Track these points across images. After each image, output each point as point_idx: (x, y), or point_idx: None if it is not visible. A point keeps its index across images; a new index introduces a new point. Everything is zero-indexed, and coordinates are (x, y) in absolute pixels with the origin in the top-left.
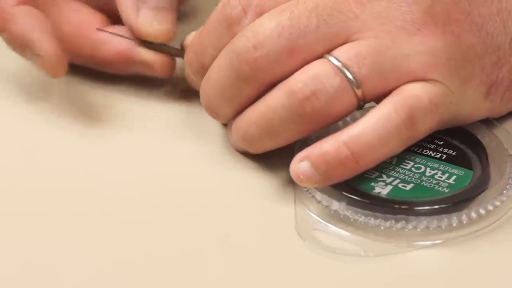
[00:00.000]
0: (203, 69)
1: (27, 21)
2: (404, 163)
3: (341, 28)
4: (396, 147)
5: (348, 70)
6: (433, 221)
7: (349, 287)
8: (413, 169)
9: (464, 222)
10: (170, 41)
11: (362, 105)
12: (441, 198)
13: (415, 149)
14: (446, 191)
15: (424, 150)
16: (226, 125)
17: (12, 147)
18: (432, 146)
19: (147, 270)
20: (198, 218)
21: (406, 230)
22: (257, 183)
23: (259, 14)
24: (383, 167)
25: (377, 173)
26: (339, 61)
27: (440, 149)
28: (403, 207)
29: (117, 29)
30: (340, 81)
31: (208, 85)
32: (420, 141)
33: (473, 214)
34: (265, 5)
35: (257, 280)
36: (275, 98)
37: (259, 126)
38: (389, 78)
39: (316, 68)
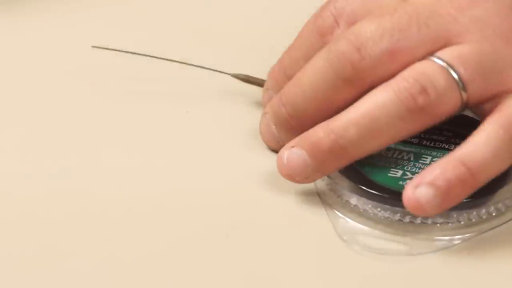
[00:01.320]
0: None
1: None
2: (423, 158)
3: (442, 31)
4: (508, 161)
5: (454, 70)
6: (472, 213)
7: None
8: (433, 163)
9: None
10: None
11: (463, 109)
12: None
13: (428, 143)
14: None
15: (437, 143)
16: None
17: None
18: (443, 138)
19: (147, 270)
20: (201, 218)
21: (449, 224)
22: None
23: (351, 24)
24: (404, 165)
25: (400, 171)
26: (443, 61)
27: (452, 140)
28: None
29: None
30: (447, 79)
31: (297, 90)
32: (430, 134)
33: (494, 209)
34: (357, 14)
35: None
36: (383, 95)
37: (361, 126)
38: (491, 82)
39: (422, 67)
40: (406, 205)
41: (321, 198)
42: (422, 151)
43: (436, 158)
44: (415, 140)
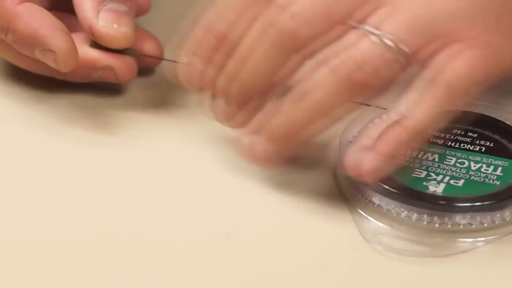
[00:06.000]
0: (220, 41)
1: (33, 18)
2: (447, 159)
3: None
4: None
5: (387, 38)
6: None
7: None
8: (457, 164)
9: None
10: (129, 44)
11: (406, 68)
12: (496, 192)
13: (452, 144)
14: (497, 183)
15: (462, 144)
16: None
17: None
18: (468, 140)
19: (148, 270)
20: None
21: (473, 226)
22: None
23: None
24: (428, 165)
25: (425, 172)
26: (376, 29)
27: (477, 142)
28: (469, 204)
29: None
30: (381, 49)
31: (242, 68)
32: (455, 135)
33: None
34: None
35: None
36: (320, 76)
37: (306, 109)
38: (428, 40)
39: (356, 40)
40: (348, 169)
41: (344, 197)
42: (447, 152)
43: (460, 160)
44: (440, 141)
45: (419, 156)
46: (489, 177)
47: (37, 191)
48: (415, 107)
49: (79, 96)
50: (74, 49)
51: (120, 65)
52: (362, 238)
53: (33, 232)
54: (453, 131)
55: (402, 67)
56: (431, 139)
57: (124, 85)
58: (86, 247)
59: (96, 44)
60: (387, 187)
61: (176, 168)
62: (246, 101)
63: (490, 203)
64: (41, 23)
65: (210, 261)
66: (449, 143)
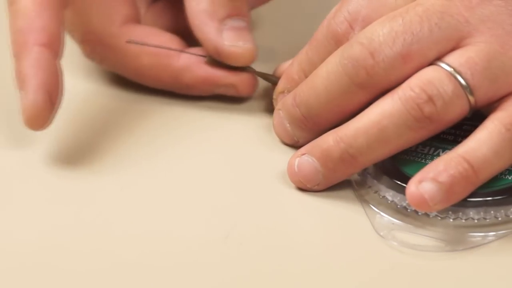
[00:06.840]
0: None
1: (32, 63)
2: None
3: (453, 32)
4: (510, 159)
5: (461, 76)
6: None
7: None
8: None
9: None
10: (255, 60)
11: (472, 111)
12: (509, 186)
13: (463, 140)
14: (510, 178)
15: None
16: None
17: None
18: None
19: (149, 269)
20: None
21: (487, 220)
22: None
23: None
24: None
25: None
26: (451, 67)
27: None
28: (482, 199)
29: (195, 50)
30: (454, 87)
31: (311, 92)
32: (465, 131)
33: None
34: (371, 18)
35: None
36: (390, 105)
37: (370, 135)
38: (499, 84)
39: (429, 75)
40: (410, 200)
41: (357, 193)
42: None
43: None
44: (450, 137)
45: (430, 152)
46: (501, 171)
47: (37, 191)
48: (484, 145)
49: (79, 96)
50: (43, 110)
51: (242, 82)
52: (376, 234)
53: (32, 232)
54: (463, 127)
55: (471, 107)
56: (442, 136)
57: (128, 86)
58: (85, 247)
59: (213, 60)
60: (400, 183)
61: (176, 167)
62: (309, 127)
63: (504, 198)
64: (34, 71)
65: (210, 261)
66: (460, 139)
